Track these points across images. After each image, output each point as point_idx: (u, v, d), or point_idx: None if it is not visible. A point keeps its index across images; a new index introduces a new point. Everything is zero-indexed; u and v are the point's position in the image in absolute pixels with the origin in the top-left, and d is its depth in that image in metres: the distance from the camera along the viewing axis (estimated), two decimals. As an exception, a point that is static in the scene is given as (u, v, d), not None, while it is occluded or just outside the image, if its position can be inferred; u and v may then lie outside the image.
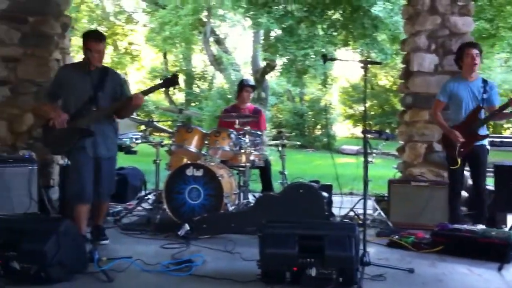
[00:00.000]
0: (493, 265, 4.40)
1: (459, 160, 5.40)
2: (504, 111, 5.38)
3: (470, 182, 6.53)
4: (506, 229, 5.41)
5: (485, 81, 5.46)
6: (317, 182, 6.32)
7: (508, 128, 23.82)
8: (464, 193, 6.33)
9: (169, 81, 4.70)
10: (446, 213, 5.63)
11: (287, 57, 16.11)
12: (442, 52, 6.48)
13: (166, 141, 6.43)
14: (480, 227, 4.99)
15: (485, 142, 5.47)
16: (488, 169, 5.64)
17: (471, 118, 5.38)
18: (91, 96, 4.65)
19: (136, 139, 7.44)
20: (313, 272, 3.71)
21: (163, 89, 4.82)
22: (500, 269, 4.32)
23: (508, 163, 5.86)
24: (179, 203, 5.54)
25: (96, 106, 4.62)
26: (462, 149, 5.39)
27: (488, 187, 6.12)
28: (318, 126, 24.27)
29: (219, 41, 21.91)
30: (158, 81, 4.97)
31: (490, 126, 24.57)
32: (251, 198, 6.25)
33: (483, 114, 5.42)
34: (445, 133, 5.57)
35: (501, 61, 19.59)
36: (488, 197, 5.51)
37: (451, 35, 6.53)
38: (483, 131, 5.42)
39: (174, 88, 4.75)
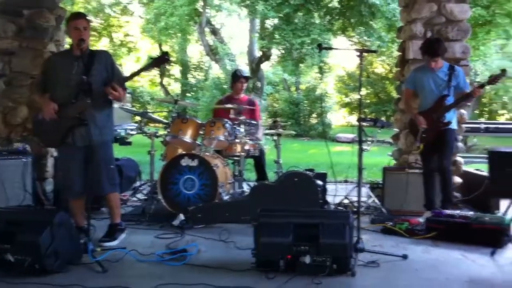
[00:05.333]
0: (486, 250, 4.43)
1: (420, 146, 5.56)
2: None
3: (464, 168, 6.59)
4: (500, 214, 5.46)
5: (451, 68, 5.51)
6: (311, 170, 6.33)
7: (503, 114, 23.93)
8: (458, 179, 6.38)
9: (159, 60, 4.46)
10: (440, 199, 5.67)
11: (284, 45, 16.07)
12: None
13: (161, 132, 6.42)
14: (473, 212, 5.03)
15: (454, 126, 5.54)
16: (481, 155, 5.67)
17: (436, 106, 5.47)
18: (79, 83, 4.38)
19: (131, 130, 7.42)
20: (307, 259, 3.74)
21: (154, 68, 4.54)
22: (493, 254, 4.35)
23: (502, 149, 5.88)
24: (174, 193, 5.55)
25: (85, 92, 4.34)
26: (424, 135, 5.52)
27: (482, 173, 6.18)
28: (314, 115, 24.24)
29: (215, 31, 21.84)
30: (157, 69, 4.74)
31: (485, 113, 24.75)
32: (246, 188, 6.27)
33: (449, 102, 5.47)
34: (412, 117, 5.72)
35: (497, 47, 19.56)
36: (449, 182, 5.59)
37: (448, 22, 6.51)
38: (448, 117, 5.46)
39: (165, 66, 4.56)
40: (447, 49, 5.76)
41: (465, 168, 6.69)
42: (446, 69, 5.51)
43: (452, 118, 5.51)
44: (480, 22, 14.37)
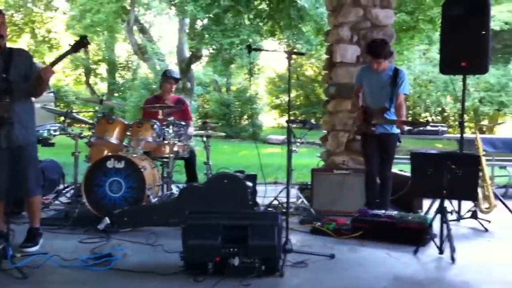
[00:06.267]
0: (410, 248, 4.57)
1: (351, 136, 5.96)
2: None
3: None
4: (422, 214, 5.66)
5: (396, 71, 5.53)
6: (242, 172, 6.32)
7: (426, 117, 24.94)
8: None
9: (78, 44, 4.33)
10: (366, 199, 5.81)
11: (214, 46, 15.99)
12: (364, 44, 6.63)
13: (86, 133, 6.20)
14: (398, 212, 5.18)
15: (395, 130, 5.62)
16: (405, 157, 5.84)
17: (378, 113, 5.53)
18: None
19: (54, 130, 7.11)
20: (236, 261, 3.73)
21: (74, 52, 4.44)
22: (416, 252, 4.50)
23: (423, 151, 6.11)
24: (99, 196, 5.37)
25: (6, 91, 4.11)
26: (356, 128, 5.75)
27: (406, 173, 6.39)
28: (245, 116, 24.31)
29: (143, 30, 21.40)
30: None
31: (409, 115, 25.68)
32: (175, 190, 6.17)
33: (390, 115, 5.53)
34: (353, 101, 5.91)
35: (420, 52, 20.34)
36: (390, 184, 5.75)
37: (373, 27, 6.71)
38: (386, 127, 5.57)
39: (85, 51, 4.43)
40: (393, 52, 5.82)
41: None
42: (390, 72, 5.53)
43: (392, 126, 5.58)
44: (404, 27, 14.88)
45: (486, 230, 5.48)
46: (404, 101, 5.64)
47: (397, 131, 5.65)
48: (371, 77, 5.64)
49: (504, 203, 5.88)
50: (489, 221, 5.60)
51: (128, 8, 19.14)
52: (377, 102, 5.57)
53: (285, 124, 4.84)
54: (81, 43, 4.36)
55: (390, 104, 5.48)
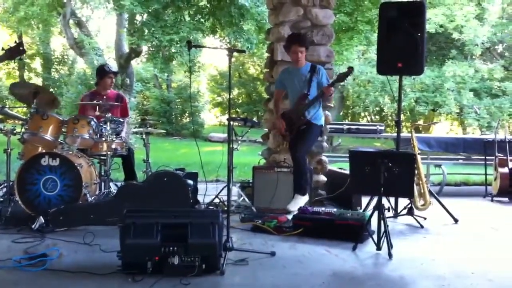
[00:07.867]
0: (349, 245, 4.64)
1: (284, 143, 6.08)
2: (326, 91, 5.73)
3: (329, 167, 6.89)
4: (361, 211, 5.77)
5: (313, 67, 5.81)
6: (182, 170, 6.26)
7: (365, 116, 25.57)
8: (323, 178, 6.65)
9: (13, 50, 4.17)
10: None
11: (153, 42, 15.72)
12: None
13: (19, 129, 5.95)
14: (337, 209, 5.27)
15: (318, 121, 5.87)
16: (345, 155, 5.94)
17: (298, 104, 5.80)
18: None
19: (-15, 126, 6.79)
20: (175, 260, 3.67)
21: (8, 60, 4.26)
22: (354, 248, 4.57)
23: (362, 149, 6.23)
24: (33, 194, 5.19)
25: None
26: (287, 132, 5.93)
27: (345, 171, 6.50)
28: (186, 114, 24.13)
29: (80, 24, 20.78)
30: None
31: (349, 115, 26.25)
32: (113, 188, 6.03)
33: (316, 107, 5.80)
34: (274, 120, 6.15)
35: (359, 53, 20.76)
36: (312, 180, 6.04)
37: (313, 26, 6.78)
38: (310, 114, 5.78)
39: (20, 59, 4.23)
40: (305, 43, 5.97)
41: (330, 167, 6.99)
42: (308, 68, 5.77)
43: (314, 114, 5.79)
44: (343, 28, 15.16)
45: (422, 226, 5.65)
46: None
47: (321, 123, 5.90)
48: (293, 76, 5.87)
49: (438, 200, 6.07)
50: (425, 218, 5.78)
51: (64, 1, 18.55)
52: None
53: (227, 122, 4.81)
54: (17, 50, 4.18)
55: (309, 90, 5.69)
